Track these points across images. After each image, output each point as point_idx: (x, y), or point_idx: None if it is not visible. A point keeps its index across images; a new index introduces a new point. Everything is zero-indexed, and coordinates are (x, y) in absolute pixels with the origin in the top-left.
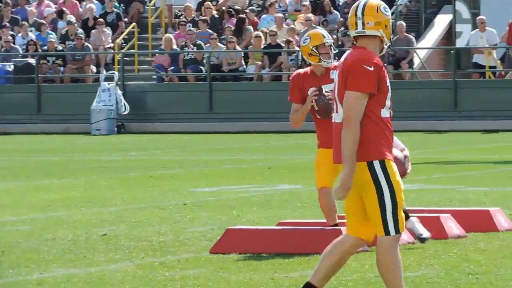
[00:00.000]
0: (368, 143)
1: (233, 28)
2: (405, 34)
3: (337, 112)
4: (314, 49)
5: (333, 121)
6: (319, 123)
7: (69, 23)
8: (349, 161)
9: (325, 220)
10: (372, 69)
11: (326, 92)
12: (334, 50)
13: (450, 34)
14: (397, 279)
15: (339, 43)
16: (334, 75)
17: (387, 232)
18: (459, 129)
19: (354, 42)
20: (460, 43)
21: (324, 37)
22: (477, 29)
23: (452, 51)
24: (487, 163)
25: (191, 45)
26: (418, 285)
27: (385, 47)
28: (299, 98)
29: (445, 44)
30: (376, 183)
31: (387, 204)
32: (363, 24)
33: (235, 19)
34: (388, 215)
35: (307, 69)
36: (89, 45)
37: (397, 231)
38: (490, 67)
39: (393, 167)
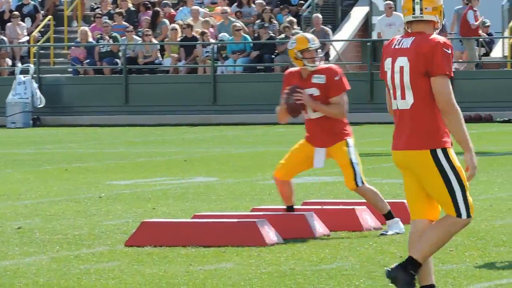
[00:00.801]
0: (433, 131)
1: (149, 20)
2: (322, 26)
3: (403, 98)
4: (298, 53)
5: (397, 108)
6: (306, 122)
7: None
8: (468, 142)
9: (240, 212)
10: (450, 52)
11: (298, 94)
12: (318, 54)
13: (366, 27)
14: (433, 251)
15: (255, 35)
16: (317, 79)
17: (458, 215)
18: (375, 121)
19: (406, 28)
20: (376, 35)
21: (309, 41)
22: (384, 15)
23: (368, 43)
24: None
25: (107, 38)
26: (333, 278)
27: (435, 32)
28: None
29: (361, 37)
30: (442, 171)
31: (456, 190)
32: (421, 9)
33: (151, 12)
34: (459, 199)
35: (298, 69)
36: (4, 38)
37: (468, 215)
38: None
39: (453, 154)
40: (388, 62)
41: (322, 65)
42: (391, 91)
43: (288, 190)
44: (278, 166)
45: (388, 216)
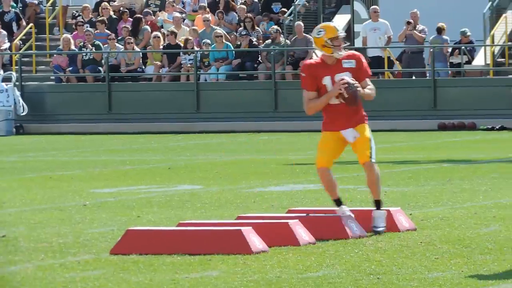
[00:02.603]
0: None
1: (130, 28)
2: (304, 34)
3: None
4: (328, 41)
5: None
6: (328, 109)
7: None
8: None
9: (225, 220)
10: None
11: (353, 80)
12: (345, 42)
13: (348, 34)
14: None
15: (238, 43)
16: (348, 64)
17: None
18: None
19: None
20: (358, 43)
21: (338, 30)
22: (370, 20)
23: None
24: (387, 162)
25: (90, 46)
26: (319, 286)
27: None
28: (313, 87)
29: None
30: None
31: None
32: None
33: (132, 19)
34: None
35: (317, 59)
36: None
37: None
38: (389, 63)
39: None
40: None
41: (344, 52)
42: None
43: (333, 180)
44: (318, 157)
45: (378, 204)
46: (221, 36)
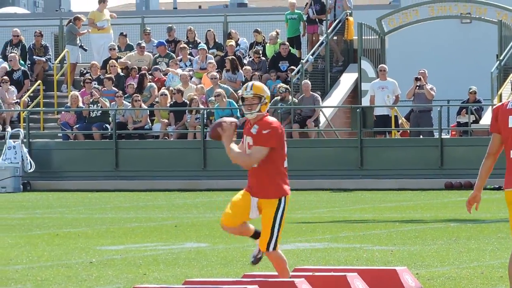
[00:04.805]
0: None
1: (135, 85)
2: (311, 92)
3: None
4: (240, 100)
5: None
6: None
7: None
8: None
9: (231, 279)
10: None
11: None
12: (262, 102)
13: (355, 93)
14: None
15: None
16: (254, 130)
17: None
18: (365, 187)
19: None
20: (365, 101)
21: (246, 89)
22: (378, 79)
23: (358, 110)
24: (393, 222)
25: (102, 101)
26: None
27: None
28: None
29: (350, 103)
30: None
31: None
32: None
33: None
34: None
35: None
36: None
37: None
38: (396, 121)
39: None
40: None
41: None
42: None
43: (240, 227)
44: (223, 214)
45: None
46: (220, 95)
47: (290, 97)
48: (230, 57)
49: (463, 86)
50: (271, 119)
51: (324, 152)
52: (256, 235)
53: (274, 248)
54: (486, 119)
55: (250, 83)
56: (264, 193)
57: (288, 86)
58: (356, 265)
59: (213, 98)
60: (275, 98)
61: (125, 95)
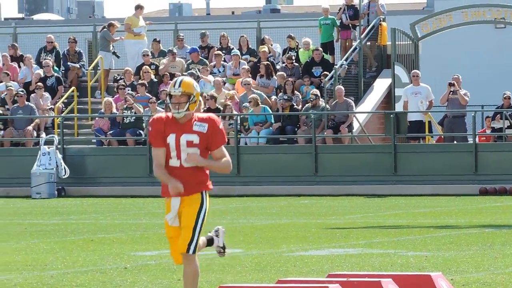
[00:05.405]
0: None
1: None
2: (344, 98)
3: None
4: (167, 97)
5: None
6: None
7: (7, 87)
8: None
9: (265, 284)
10: None
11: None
12: (190, 101)
13: (389, 98)
14: None
15: (278, 107)
16: (199, 127)
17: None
18: (399, 193)
19: None
20: (399, 107)
21: (174, 86)
22: (411, 84)
23: (391, 115)
24: (427, 227)
25: (136, 107)
26: None
27: None
28: (160, 143)
29: (384, 108)
30: None
31: None
32: None
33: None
34: None
35: (170, 114)
36: (32, 105)
37: None
38: (429, 127)
39: None
40: None
41: (200, 114)
42: None
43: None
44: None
45: None
46: (257, 100)
47: (321, 103)
48: (265, 62)
49: (497, 91)
50: (209, 113)
51: (358, 158)
52: (210, 242)
53: (194, 252)
54: None
55: (179, 79)
56: (194, 189)
57: (318, 92)
58: (390, 271)
59: (247, 104)
60: (307, 105)
61: (159, 101)
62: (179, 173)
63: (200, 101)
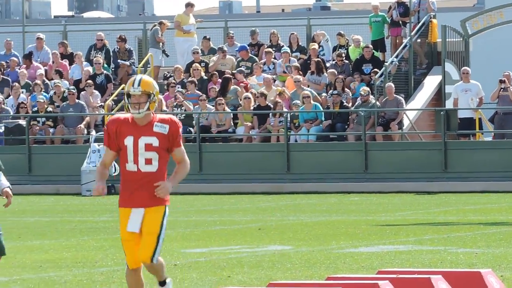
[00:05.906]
0: None
1: (217, 88)
2: (395, 95)
3: None
4: (125, 96)
5: None
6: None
7: (56, 84)
8: None
9: (315, 281)
10: None
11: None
12: (150, 100)
13: (439, 95)
14: None
15: (328, 104)
16: (159, 128)
17: None
18: (449, 190)
19: None
20: (449, 104)
21: (133, 85)
22: (461, 81)
23: (442, 112)
24: (477, 224)
25: (186, 104)
26: None
27: None
28: (113, 145)
29: (434, 105)
30: None
31: None
32: None
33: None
34: None
35: (128, 115)
36: (83, 102)
37: None
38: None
39: None
40: None
41: (161, 115)
42: None
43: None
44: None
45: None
46: (309, 97)
47: (371, 100)
48: (315, 59)
49: None
50: (169, 115)
51: (408, 155)
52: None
53: (157, 260)
54: None
55: (138, 78)
56: (158, 202)
57: (368, 90)
58: (440, 268)
59: (298, 101)
60: (357, 101)
61: (208, 99)
62: (137, 179)
63: (161, 100)
